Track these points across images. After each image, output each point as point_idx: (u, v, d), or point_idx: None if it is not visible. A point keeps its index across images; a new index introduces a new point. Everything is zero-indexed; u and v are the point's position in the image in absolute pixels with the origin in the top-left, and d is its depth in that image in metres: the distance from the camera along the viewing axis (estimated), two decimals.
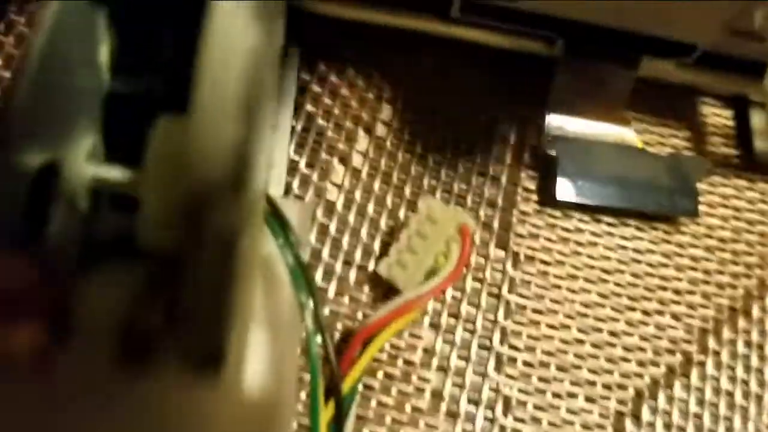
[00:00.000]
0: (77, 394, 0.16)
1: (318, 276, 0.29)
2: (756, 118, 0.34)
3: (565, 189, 0.31)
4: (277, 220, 0.25)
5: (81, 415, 0.17)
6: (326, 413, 0.25)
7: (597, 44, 0.30)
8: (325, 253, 0.29)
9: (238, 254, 0.15)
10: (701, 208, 0.32)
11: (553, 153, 0.31)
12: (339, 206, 0.30)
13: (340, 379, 0.26)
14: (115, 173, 0.16)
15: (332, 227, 0.30)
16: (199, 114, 0.14)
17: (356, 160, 0.31)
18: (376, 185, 0.31)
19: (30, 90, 0.15)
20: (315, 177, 0.31)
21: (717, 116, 0.34)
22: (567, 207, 0.31)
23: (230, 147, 0.14)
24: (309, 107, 0.31)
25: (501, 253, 0.30)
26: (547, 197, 0.31)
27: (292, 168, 0.30)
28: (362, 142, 0.31)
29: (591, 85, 0.31)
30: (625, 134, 0.32)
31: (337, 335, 0.28)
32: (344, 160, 0.31)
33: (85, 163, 0.15)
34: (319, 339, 0.24)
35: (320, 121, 0.31)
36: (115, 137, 0.16)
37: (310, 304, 0.24)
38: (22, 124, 0.15)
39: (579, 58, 0.31)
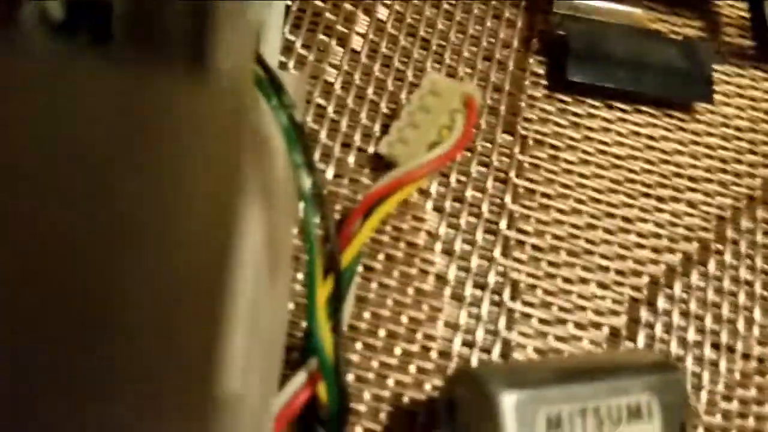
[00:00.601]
0: None
1: (315, 158, 0.27)
2: None
3: (575, 69, 0.29)
4: (270, 83, 0.23)
5: None
6: (324, 289, 0.24)
7: None
8: (323, 135, 0.28)
9: None
10: (717, 97, 0.30)
11: (562, 32, 0.29)
12: (337, 88, 0.29)
13: (338, 251, 0.24)
14: None
15: (330, 109, 0.28)
16: None
17: (356, 42, 0.29)
18: (377, 68, 0.29)
19: None
20: (312, 57, 0.29)
21: (732, 7, 0.33)
22: (578, 92, 0.30)
23: None
24: None
25: (508, 138, 0.29)
26: (557, 82, 0.30)
27: (288, 48, 0.29)
28: (362, 24, 0.30)
29: None
30: (638, 17, 0.30)
31: (337, 216, 0.27)
32: (343, 42, 0.29)
33: None
34: (316, 216, 0.22)
35: (318, 2, 0.30)
36: None
37: (306, 168, 0.22)
38: None
39: None
